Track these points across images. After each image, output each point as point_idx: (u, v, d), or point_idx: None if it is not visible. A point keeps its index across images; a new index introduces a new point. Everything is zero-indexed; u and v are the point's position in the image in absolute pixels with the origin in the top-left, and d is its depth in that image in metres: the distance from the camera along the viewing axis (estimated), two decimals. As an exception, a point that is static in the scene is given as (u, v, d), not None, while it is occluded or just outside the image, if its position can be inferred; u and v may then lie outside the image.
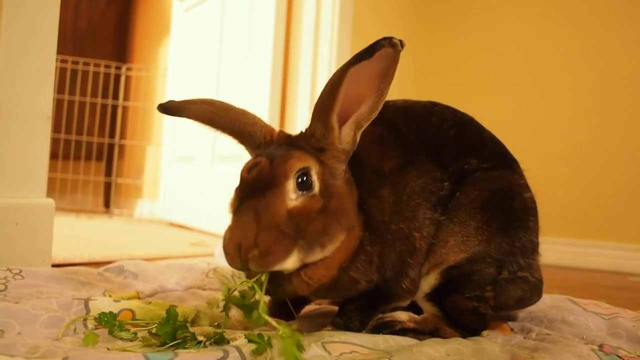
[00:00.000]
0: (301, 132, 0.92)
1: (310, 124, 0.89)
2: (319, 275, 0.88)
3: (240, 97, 3.18)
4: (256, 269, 0.79)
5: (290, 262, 0.80)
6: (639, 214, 2.77)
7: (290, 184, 0.82)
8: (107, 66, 4.63)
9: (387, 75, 0.85)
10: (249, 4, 3.18)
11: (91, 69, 4.56)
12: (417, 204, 0.97)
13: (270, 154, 0.85)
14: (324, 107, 0.86)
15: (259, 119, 0.96)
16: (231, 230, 0.80)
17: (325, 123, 0.87)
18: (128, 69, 4.72)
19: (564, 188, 2.95)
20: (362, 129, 0.90)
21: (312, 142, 0.88)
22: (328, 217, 0.84)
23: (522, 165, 1.10)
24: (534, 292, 1.06)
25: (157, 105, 0.96)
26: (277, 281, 0.86)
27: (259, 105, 2.95)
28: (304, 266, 0.85)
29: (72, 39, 4.76)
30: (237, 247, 0.77)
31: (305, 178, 0.83)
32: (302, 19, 3.03)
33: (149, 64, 4.75)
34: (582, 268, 2.82)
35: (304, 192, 0.83)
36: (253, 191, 0.82)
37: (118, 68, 4.67)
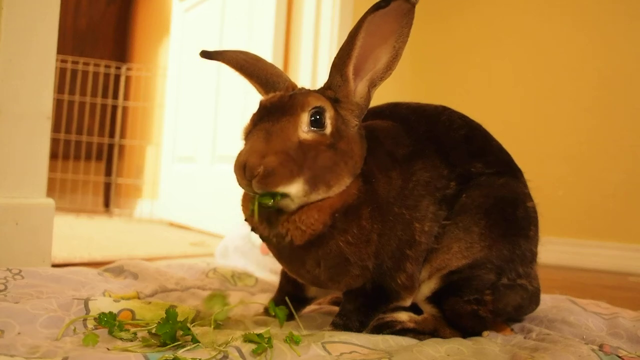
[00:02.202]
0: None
1: (329, 76, 0.94)
2: (311, 219, 0.89)
3: (241, 97, 3.19)
4: (258, 189, 0.82)
5: (294, 188, 0.84)
6: (639, 214, 2.77)
7: (305, 117, 0.87)
8: (107, 66, 4.63)
9: (402, 34, 0.89)
10: (249, 4, 3.19)
11: (91, 69, 4.56)
12: (421, 195, 0.97)
13: (290, 93, 0.92)
14: (341, 59, 0.90)
15: (285, 75, 1.01)
16: (242, 150, 0.84)
17: (342, 74, 0.92)
18: (128, 69, 4.72)
19: (564, 188, 2.95)
20: (376, 87, 0.94)
21: (329, 93, 0.93)
22: (337, 155, 0.88)
23: (523, 165, 1.10)
24: (532, 300, 1.07)
25: (199, 52, 1.05)
26: (271, 223, 0.90)
27: (259, 105, 2.95)
28: (298, 209, 0.88)
29: (72, 39, 4.76)
30: (243, 165, 0.81)
31: (318, 117, 0.88)
32: (302, 19, 3.03)
33: (149, 63, 4.75)
34: (582, 268, 2.81)
35: (316, 129, 0.88)
36: (268, 115, 0.87)
37: (118, 68, 4.67)
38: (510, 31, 3.26)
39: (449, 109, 1.10)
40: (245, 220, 0.98)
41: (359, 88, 0.94)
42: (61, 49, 1.73)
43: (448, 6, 3.54)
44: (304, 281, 1.04)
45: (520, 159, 1.11)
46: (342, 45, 0.90)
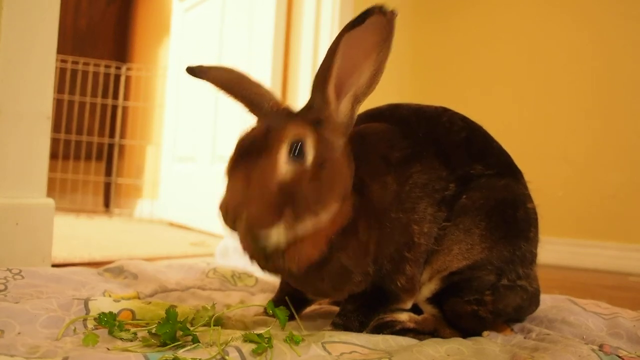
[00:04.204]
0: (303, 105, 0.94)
1: (310, 96, 0.90)
2: (306, 253, 0.89)
3: (240, 97, 3.19)
4: (243, 234, 0.83)
5: (277, 231, 0.82)
6: (639, 214, 2.77)
7: (283, 152, 0.84)
8: (107, 66, 4.63)
9: (383, 47, 0.86)
10: (249, 4, 3.19)
11: (91, 69, 4.56)
12: (419, 197, 0.97)
13: (267, 123, 0.88)
14: (321, 79, 0.87)
15: (270, 92, 0.99)
16: (226, 193, 0.83)
17: (323, 94, 0.88)
18: (128, 69, 4.72)
19: (564, 188, 2.95)
20: (361, 103, 0.91)
21: (311, 114, 0.89)
22: (321, 184, 0.86)
23: (523, 166, 1.10)
24: (532, 301, 1.08)
25: (185, 68, 1.02)
26: (268, 258, 0.89)
27: (259, 105, 2.95)
28: (292, 243, 0.86)
29: (72, 39, 4.76)
30: (226, 211, 0.81)
31: (299, 147, 0.85)
32: (302, 19, 3.03)
33: (149, 63, 4.75)
34: (582, 268, 2.81)
35: (297, 161, 0.84)
36: (247, 155, 0.84)
37: (118, 68, 4.67)
38: (511, 31, 3.26)
39: (449, 110, 1.10)
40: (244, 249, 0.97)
41: (342, 106, 0.90)
42: (61, 49, 1.73)
43: (448, 6, 3.54)
44: (307, 292, 1.05)
45: (520, 160, 1.11)
46: (321, 65, 0.86)
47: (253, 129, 0.89)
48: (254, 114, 0.97)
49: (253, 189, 0.81)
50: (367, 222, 0.92)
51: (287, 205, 0.82)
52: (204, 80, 1.00)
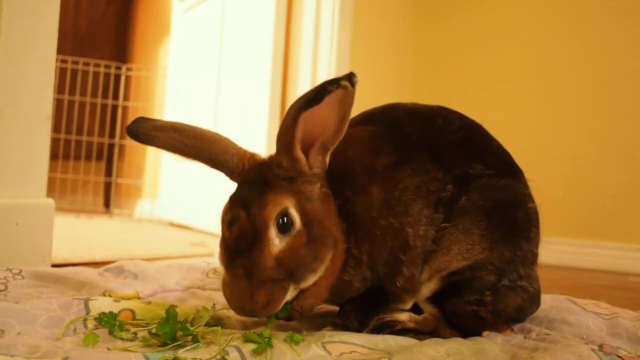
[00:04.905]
0: (270, 157, 0.90)
1: (277, 155, 0.86)
2: (309, 304, 0.91)
3: (241, 97, 3.19)
4: (264, 316, 0.85)
5: (289, 297, 0.85)
6: (639, 214, 2.77)
7: (272, 232, 0.83)
8: (107, 66, 4.63)
9: (347, 103, 0.81)
10: (249, 4, 3.18)
11: (91, 69, 4.56)
12: (411, 200, 0.96)
13: (245, 202, 0.84)
14: (284, 144, 0.84)
15: (231, 144, 0.93)
16: (229, 288, 0.83)
17: (290, 156, 0.84)
18: (128, 69, 4.72)
19: (564, 188, 2.95)
20: (330, 151, 0.87)
21: (282, 173, 0.86)
22: (315, 244, 0.86)
23: (523, 165, 1.10)
24: (532, 301, 1.08)
25: (125, 128, 0.92)
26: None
27: (259, 105, 2.95)
28: (294, 297, 0.88)
29: (72, 39, 4.76)
30: (240, 308, 0.82)
31: (285, 219, 0.83)
32: (302, 19, 3.03)
33: (149, 64, 4.75)
34: (582, 268, 2.81)
35: (287, 233, 0.84)
36: (239, 249, 0.83)
37: (118, 68, 4.67)
38: (511, 31, 3.26)
39: (446, 109, 1.09)
40: None
41: (311, 159, 0.86)
42: (61, 49, 1.73)
43: (448, 7, 3.54)
44: None
45: (520, 160, 1.10)
46: (281, 132, 0.83)
47: (233, 218, 0.84)
48: (221, 171, 0.93)
49: (256, 279, 0.81)
50: (355, 238, 0.93)
51: (289, 275, 0.83)
52: (155, 147, 0.91)
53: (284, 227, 0.83)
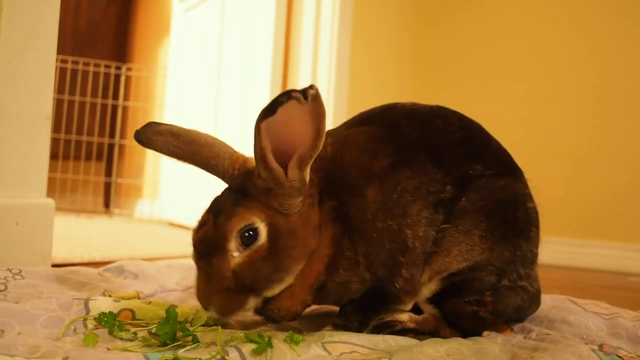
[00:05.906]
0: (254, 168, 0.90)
1: (256, 167, 0.86)
2: (286, 306, 0.92)
3: (241, 97, 3.19)
4: (222, 319, 0.90)
5: (249, 307, 0.89)
6: (639, 214, 2.77)
7: (232, 245, 0.85)
8: (107, 66, 4.63)
9: (318, 115, 0.79)
10: (249, 4, 3.19)
11: (91, 69, 4.56)
12: (410, 201, 0.96)
13: (217, 209, 0.89)
14: (256, 154, 0.84)
15: (225, 149, 0.95)
16: (196, 285, 0.90)
17: (264, 166, 0.84)
18: (128, 69, 4.72)
19: (564, 188, 2.95)
20: (309, 165, 0.86)
21: (261, 183, 0.86)
22: (278, 256, 0.87)
23: (523, 165, 1.10)
24: (532, 301, 1.08)
25: (134, 134, 0.97)
26: (259, 309, 0.93)
27: (259, 105, 2.94)
28: (267, 302, 0.90)
29: (72, 39, 4.76)
30: (203, 306, 0.88)
31: (250, 233, 0.85)
32: (302, 19, 3.03)
33: (149, 64, 4.75)
34: (582, 268, 2.82)
35: (249, 246, 0.86)
36: (203, 253, 0.87)
37: (118, 68, 4.67)
38: (511, 31, 3.26)
39: (446, 109, 1.08)
40: None
41: (290, 172, 0.85)
42: (61, 49, 1.73)
43: (448, 7, 3.55)
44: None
45: (520, 160, 1.10)
46: (254, 146, 0.82)
47: (202, 222, 0.89)
48: (215, 175, 0.96)
49: (214, 284, 0.86)
50: (350, 240, 0.93)
51: (248, 288, 0.87)
52: (153, 150, 0.96)
53: (248, 240, 0.85)
